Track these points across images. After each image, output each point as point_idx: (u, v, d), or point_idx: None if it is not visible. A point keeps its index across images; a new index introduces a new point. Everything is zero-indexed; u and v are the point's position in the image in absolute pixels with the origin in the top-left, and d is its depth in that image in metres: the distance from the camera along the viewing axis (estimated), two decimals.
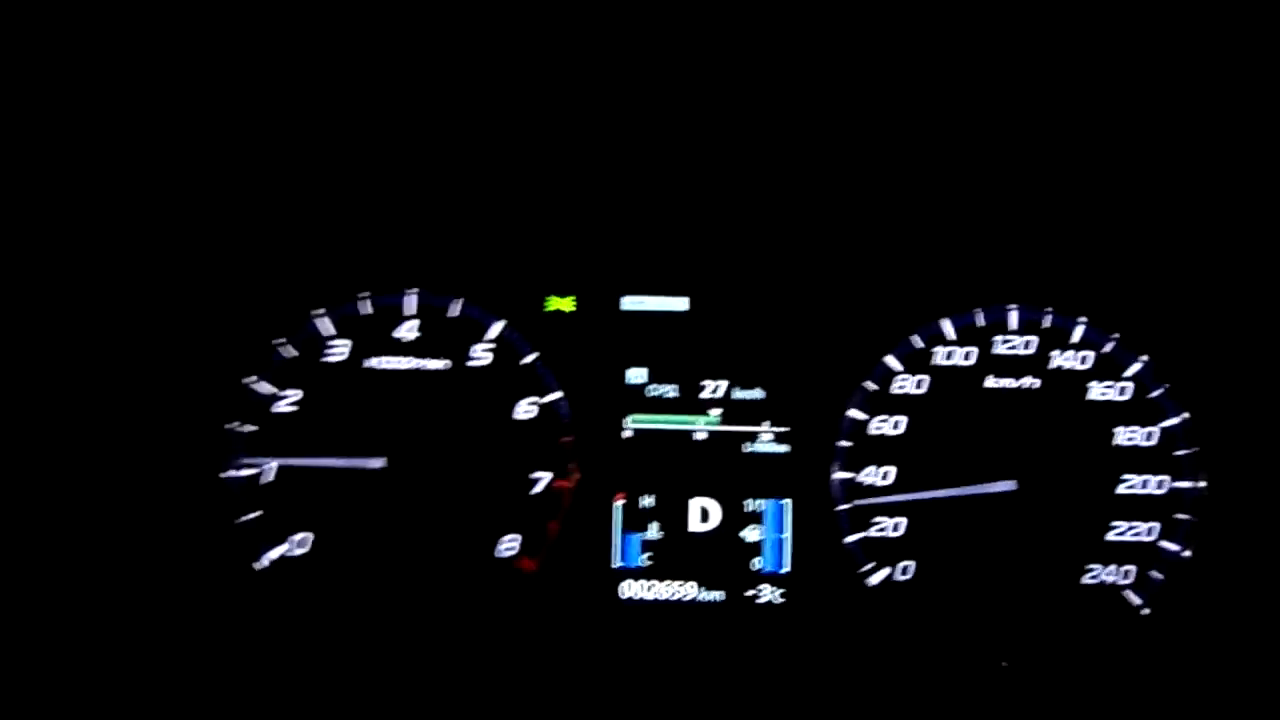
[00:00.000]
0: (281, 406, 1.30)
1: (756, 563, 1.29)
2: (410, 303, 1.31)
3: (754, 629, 1.28)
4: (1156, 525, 1.26)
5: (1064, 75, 1.13)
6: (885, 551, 1.28)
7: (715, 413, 1.30)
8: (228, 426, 1.30)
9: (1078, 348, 1.28)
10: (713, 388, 1.30)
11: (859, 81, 1.16)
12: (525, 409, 1.30)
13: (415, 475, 1.29)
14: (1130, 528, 1.26)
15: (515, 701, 1.23)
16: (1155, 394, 1.27)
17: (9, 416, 1.21)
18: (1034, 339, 1.28)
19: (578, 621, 1.28)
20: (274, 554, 1.29)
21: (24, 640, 1.19)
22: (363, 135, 1.24)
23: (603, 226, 1.30)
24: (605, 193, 1.28)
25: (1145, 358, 1.27)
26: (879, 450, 1.29)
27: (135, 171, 1.24)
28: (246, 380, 1.30)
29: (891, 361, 1.29)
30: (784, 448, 1.29)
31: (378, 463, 1.28)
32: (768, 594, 1.28)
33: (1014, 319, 1.29)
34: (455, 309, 1.31)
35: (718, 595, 1.29)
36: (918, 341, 1.29)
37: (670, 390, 1.30)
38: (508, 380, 1.30)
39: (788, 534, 1.28)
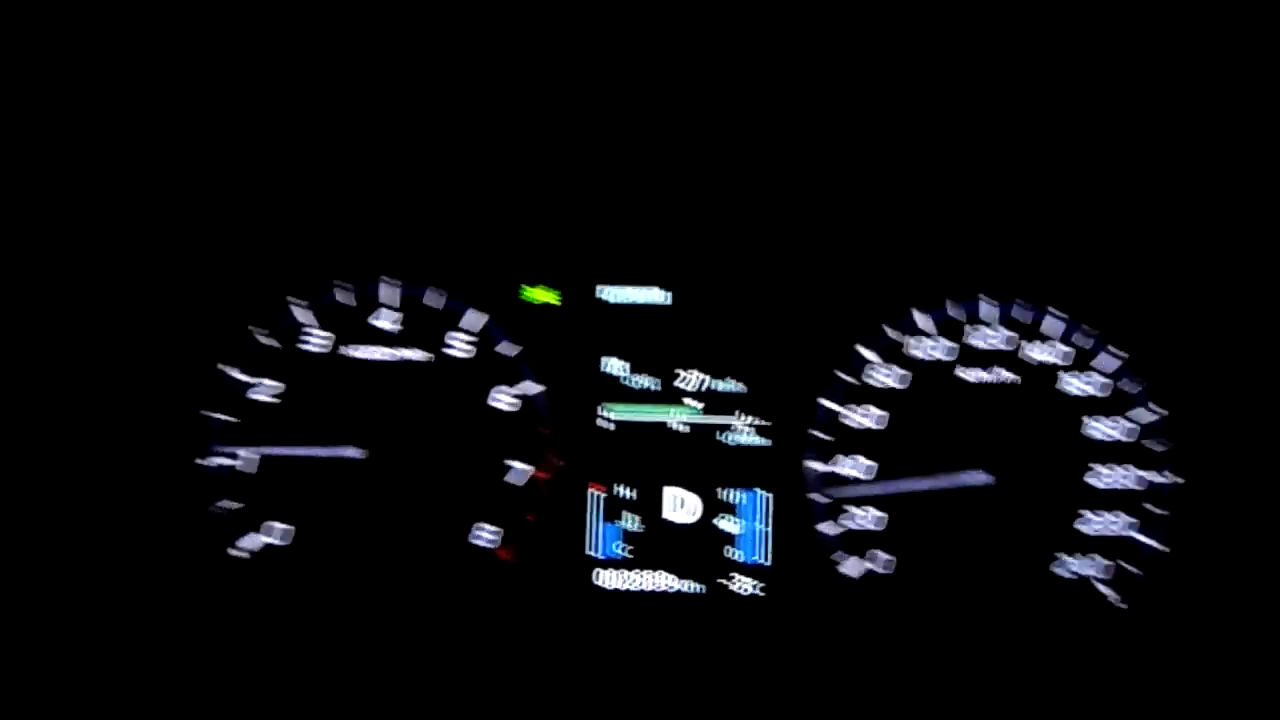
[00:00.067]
0: (258, 395, 1.31)
1: (734, 554, 1.29)
2: (389, 293, 1.32)
3: (731, 620, 1.28)
4: (1133, 520, 1.26)
5: (1039, 70, 1.13)
6: (863, 544, 1.28)
7: (694, 404, 1.30)
8: (204, 414, 1.30)
9: (1054, 342, 1.28)
10: (691, 380, 1.30)
11: (835, 77, 1.16)
12: (503, 400, 1.30)
13: (394, 466, 1.29)
14: (1106, 523, 1.26)
15: (492, 690, 1.23)
16: (1132, 391, 1.27)
17: None
18: (1012, 334, 1.29)
19: (555, 611, 1.28)
20: (254, 544, 1.29)
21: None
22: (343, 125, 1.24)
23: (582, 218, 1.30)
24: (585, 185, 1.29)
25: (1123, 354, 1.28)
26: (856, 443, 1.29)
27: (114, 160, 1.24)
28: (223, 368, 1.31)
29: (868, 354, 1.30)
30: (762, 440, 1.29)
31: (357, 453, 1.29)
32: (745, 585, 1.28)
33: (990, 313, 1.29)
34: (435, 300, 1.31)
35: (695, 586, 1.29)
36: (894, 334, 1.30)
37: (649, 382, 1.30)
38: (486, 371, 1.30)
39: (766, 526, 1.28)
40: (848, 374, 1.29)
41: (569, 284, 1.31)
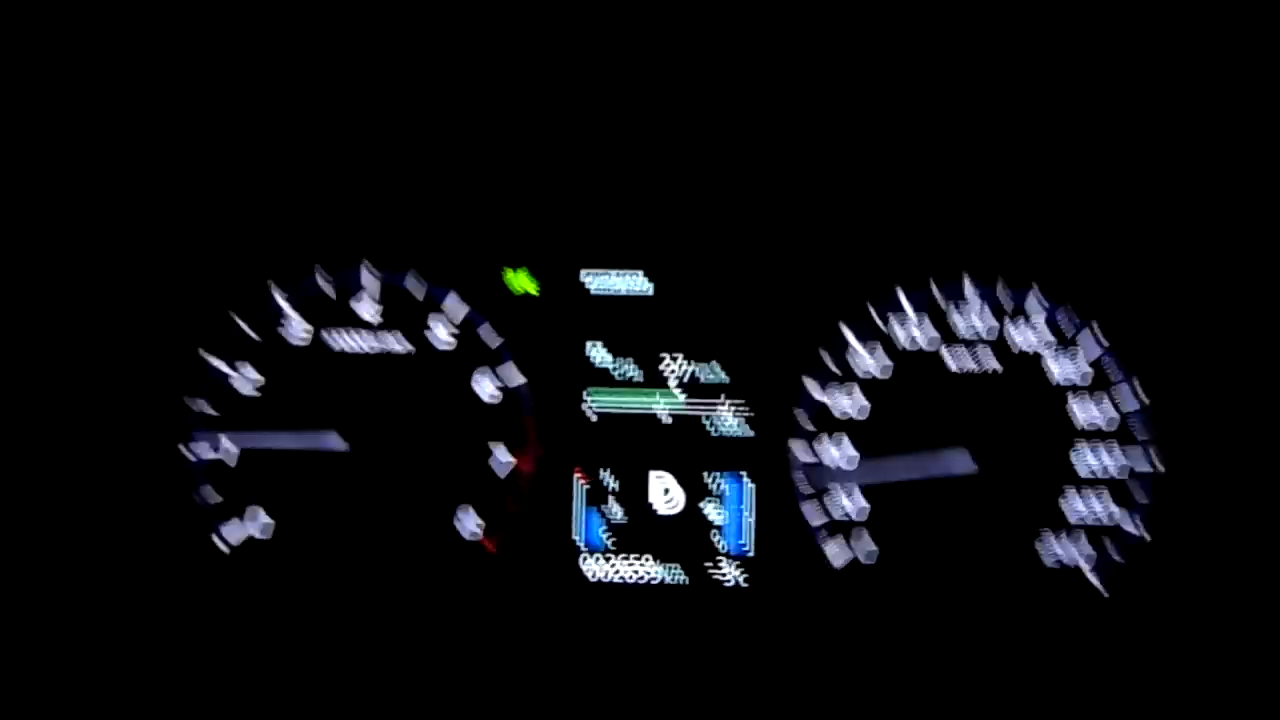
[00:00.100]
0: (239, 383, 1.30)
1: (719, 542, 1.28)
2: (370, 281, 1.31)
3: (716, 608, 1.28)
4: (1116, 509, 1.26)
5: (1021, 54, 1.13)
6: (847, 532, 1.28)
7: (678, 392, 1.30)
8: (186, 400, 1.29)
9: (1039, 328, 1.28)
10: (675, 367, 1.30)
11: (816, 62, 1.16)
12: (487, 388, 1.30)
13: (377, 455, 1.29)
14: (1090, 511, 1.26)
15: (478, 680, 1.23)
16: (1116, 378, 1.27)
17: None
18: (995, 324, 1.29)
19: (540, 600, 1.28)
20: (238, 535, 1.29)
21: None
22: (323, 111, 1.23)
23: (564, 203, 1.29)
24: (566, 171, 1.28)
25: (1107, 342, 1.28)
26: (841, 429, 1.29)
27: (94, 147, 1.23)
28: (204, 355, 1.30)
29: (851, 339, 1.29)
30: (746, 427, 1.29)
31: (339, 443, 1.28)
32: (730, 573, 1.28)
33: (975, 296, 1.29)
34: (417, 288, 1.31)
35: (680, 574, 1.28)
36: (877, 319, 1.29)
37: (633, 370, 1.30)
38: (470, 360, 1.30)
39: (750, 513, 1.28)
40: (831, 356, 1.29)
41: (551, 271, 1.30)
